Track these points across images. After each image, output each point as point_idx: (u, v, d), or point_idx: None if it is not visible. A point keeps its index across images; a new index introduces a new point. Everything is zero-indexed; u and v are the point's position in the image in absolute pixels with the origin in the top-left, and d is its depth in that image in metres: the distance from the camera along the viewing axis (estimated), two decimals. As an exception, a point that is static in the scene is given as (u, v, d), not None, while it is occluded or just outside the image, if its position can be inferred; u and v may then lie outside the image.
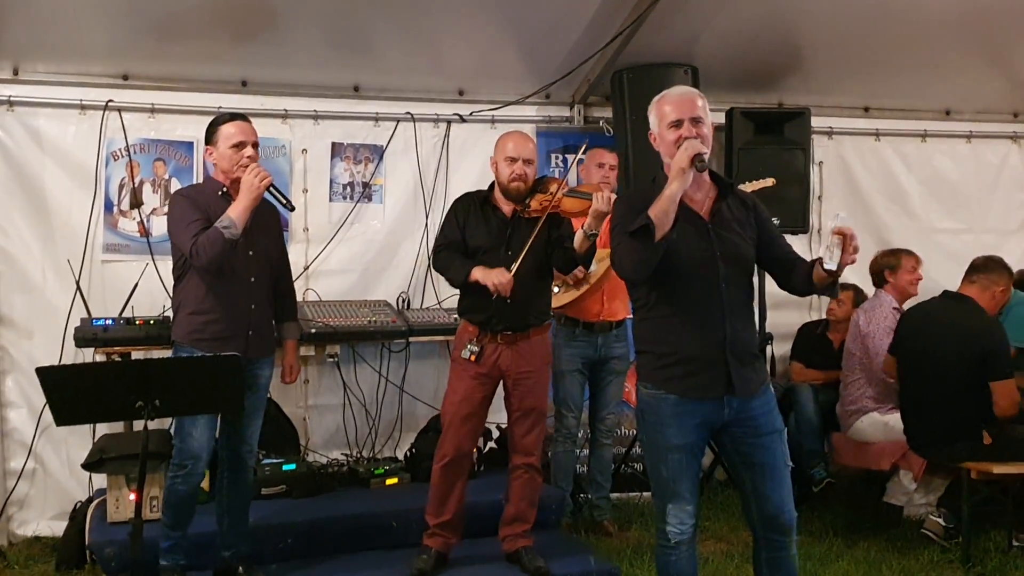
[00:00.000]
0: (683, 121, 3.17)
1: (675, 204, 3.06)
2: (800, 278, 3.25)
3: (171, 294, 4.19)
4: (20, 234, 5.19)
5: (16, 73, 5.19)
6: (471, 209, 4.29)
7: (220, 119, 4.05)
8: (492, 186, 4.33)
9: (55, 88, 5.23)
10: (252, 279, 4.05)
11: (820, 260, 3.08)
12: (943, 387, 4.78)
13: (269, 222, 4.16)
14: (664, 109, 3.24)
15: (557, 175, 5.84)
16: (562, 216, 4.24)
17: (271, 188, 3.95)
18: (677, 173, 3.09)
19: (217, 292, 3.95)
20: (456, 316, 4.38)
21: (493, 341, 4.18)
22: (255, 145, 4.04)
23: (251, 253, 4.03)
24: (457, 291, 4.32)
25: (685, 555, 3.26)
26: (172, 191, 5.03)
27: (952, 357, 4.77)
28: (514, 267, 4.05)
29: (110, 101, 5.27)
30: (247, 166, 3.93)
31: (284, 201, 4.07)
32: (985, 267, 5.03)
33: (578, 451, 5.35)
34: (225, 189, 4.02)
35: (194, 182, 5.23)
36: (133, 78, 5.34)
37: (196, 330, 3.94)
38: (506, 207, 4.25)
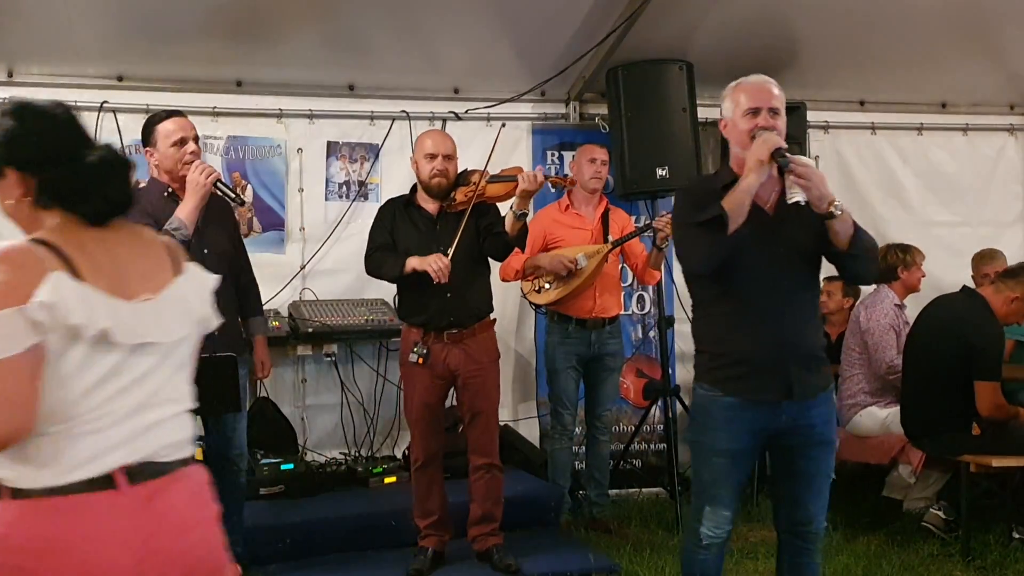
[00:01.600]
0: (760, 110, 3.03)
1: (751, 196, 2.95)
2: (840, 256, 3.07)
3: None
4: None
5: (11, 75, 5.18)
6: (396, 213, 4.29)
7: (155, 118, 3.95)
8: (414, 188, 4.33)
9: (50, 90, 5.17)
10: None
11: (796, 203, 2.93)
12: (936, 378, 4.77)
13: (221, 217, 4.08)
14: (740, 97, 3.09)
15: (553, 173, 5.83)
16: (488, 204, 4.23)
17: (218, 184, 3.86)
18: (755, 165, 2.94)
19: None
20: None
21: (439, 341, 4.17)
22: (196, 139, 3.97)
23: (206, 252, 3.91)
24: None
25: (714, 557, 3.18)
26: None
27: (944, 349, 4.76)
28: (450, 251, 4.04)
29: (105, 102, 5.26)
30: (191, 163, 3.84)
31: (233, 195, 4.00)
32: (1014, 274, 4.90)
33: (575, 448, 5.35)
34: (171, 190, 3.93)
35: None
36: (127, 79, 5.33)
37: None
38: (431, 205, 4.25)
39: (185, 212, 3.77)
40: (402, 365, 4.33)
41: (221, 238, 4.07)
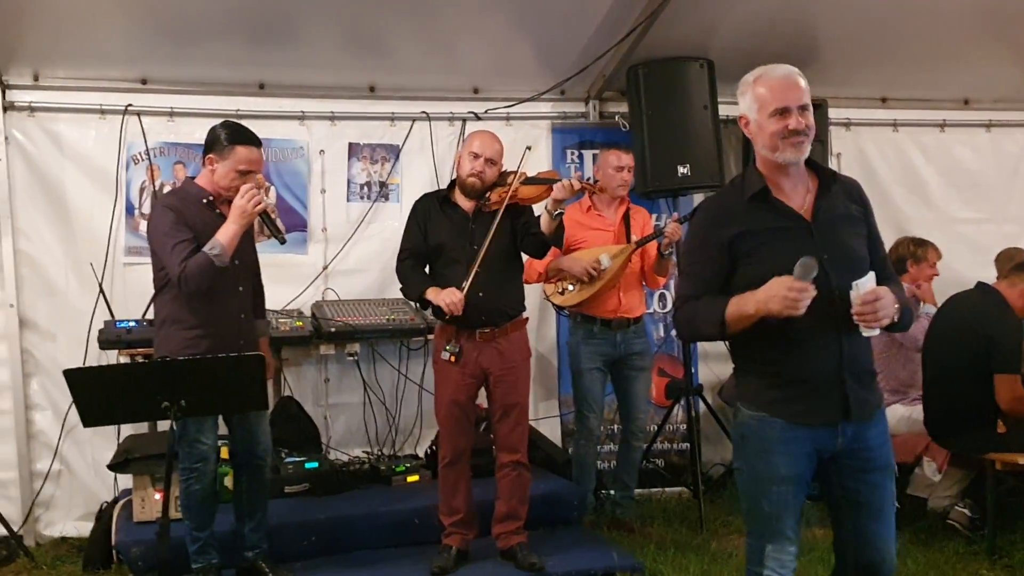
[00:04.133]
0: (790, 110, 2.72)
1: (754, 319, 2.67)
2: None
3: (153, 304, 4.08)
4: (43, 238, 5.24)
5: (36, 79, 5.24)
6: (431, 209, 4.33)
7: (237, 136, 3.92)
8: (452, 184, 4.36)
9: (75, 93, 5.28)
10: (240, 288, 4.03)
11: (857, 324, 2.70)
12: (957, 376, 4.75)
13: (249, 229, 4.05)
14: (763, 93, 2.76)
15: (573, 172, 5.84)
16: (522, 205, 4.26)
17: (263, 215, 3.85)
18: (769, 305, 2.60)
19: (208, 306, 3.89)
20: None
21: (471, 339, 4.21)
22: (259, 173, 3.97)
23: (237, 263, 3.97)
24: None
25: None
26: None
27: (963, 346, 4.75)
28: (465, 286, 4.09)
29: (129, 105, 5.32)
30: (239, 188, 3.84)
31: (272, 229, 3.92)
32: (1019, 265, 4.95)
33: (600, 448, 5.34)
34: (211, 198, 3.96)
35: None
36: (152, 82, 5.39)
37: (189, 345, 3.88)
38: (466, 203, 4.29)
39: (227, 237, 3.78)
40: (435, 363, 4.36)
41: (248, 247, 4.12)
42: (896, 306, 2.69)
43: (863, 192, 2.94)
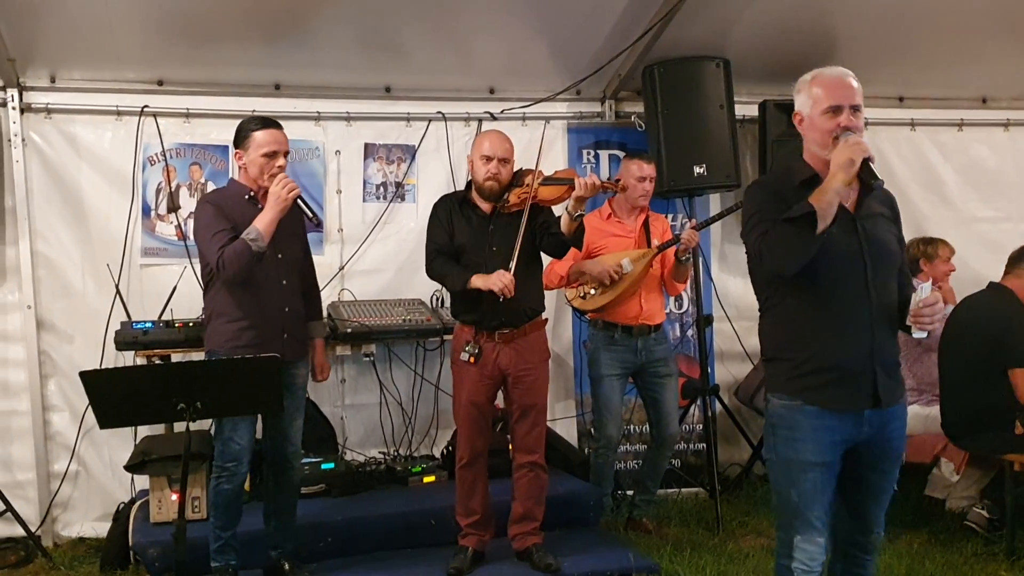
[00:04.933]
0: (843, 108, 2.87)
1: (839, 197, 2.79)
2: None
3: (203, 301, 4.18)
4: (60, 240, 5.26)
5: (53, 81, 5.26)
6: (452, 210, 4.31)
7: (252, 124, 4.03)
8: (469, 185, 4.35)
9: (91, 95, 5.30)
10: (283, 282, 4.07)
11: (910, 324, 2.90)
12: (974, 377, 4.73)
13: (294, 223, 4.14)
14: (818, 92, 2.92)
15: (589, 171, 5.83)
16: (541, 205, 4.23)
17: (298, 200, 3.93)
18: (845, 164, 2.77)
19: (251, 298, 3.96)
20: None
21: (491, 340, 4.20)
22: (286, 154, 4.03)
23: (280, 257, 4.04)
24: None
25: None
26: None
27: (979, 346, 4.73)
28: (512, 265, 4.05)
29: (145, 107, 5.33)
30: (275, 175, 3.92)
31: (310, 214, 4.03)
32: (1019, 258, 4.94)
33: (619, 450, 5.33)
34: (252, 193, 4.02)
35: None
36: (168, 83, 5.40)
37: (233, 337, 3.95)
38: (485, 205, 4.27)
39: (264, 223, 3.84)
40: (453, 363, 4.34)
41: (294, 244, 4.16)
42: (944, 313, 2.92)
43: (896, 203, 3.11)
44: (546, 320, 4.40)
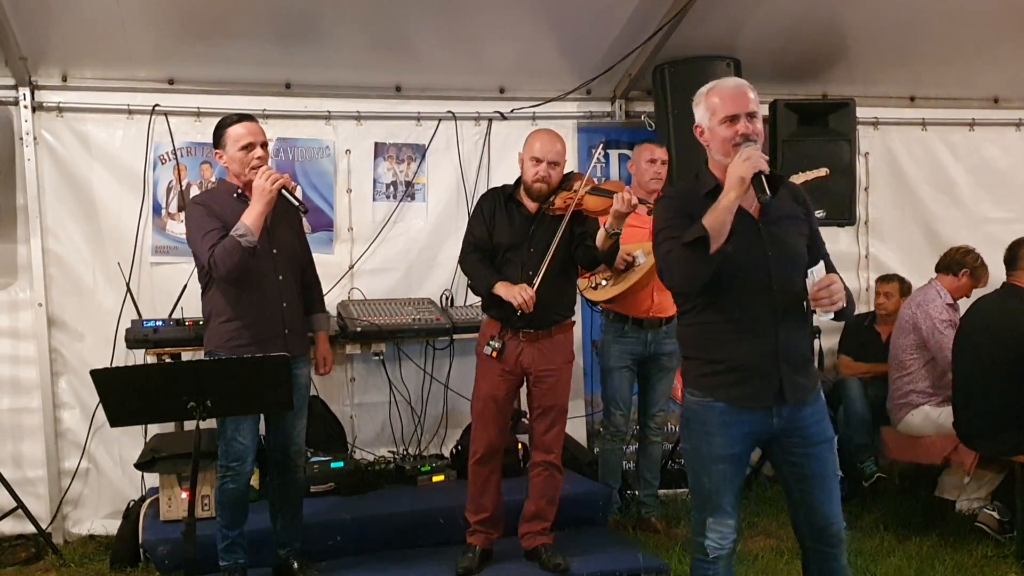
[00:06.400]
0: (739, 117, 2.98)
1: (732, 215, 2.89)
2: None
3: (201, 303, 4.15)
4: (71, 238, 5.28)
5: (65, 80, 5.27)
6: (496, 205, 4.30)
7: (226, 121, 4.01)
8: (518, 182, 4.33)
9: (102, 94, 5.31)
10: (280, 277, 4.05)
11: (814, 309, 2.99)
12: (987, 378, 4.71)
13: (288, 216, 4.14)
14: (715, 102, 3.03)
15: (599, 171, 5.83)
16: (585, 214, 4.21)
17: (283, 190, 3.91)
18: (736, 183, 2.89)
19: (249, 296, 3.95)
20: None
21: (515, 338, 4.19)
22: (264, 145, 4.02)
23: (275, 252, 4.02)
24: None
25: (723, 569, 3.12)
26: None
27: (992, 347, 4.72)
28: (536, 281, 4.05)
29: (156, 105, 5.34)
30: (258, 168, 3.91)
31: (297, 202, 4.03)
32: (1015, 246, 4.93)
33: (625, 447, 5.33)
34: (240, 191, 4.01)
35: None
36: (179, 82, 5.41)
37: (233, 337, 3.94)
38: (530, 204, 4.25)
39: (251, 218, 3.83)
40: (477, 355, 4.34)
41: (289, 237, 4.14)
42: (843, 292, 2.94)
43: (805, 195, 3.21)
44: (574, 323, 4.39)
